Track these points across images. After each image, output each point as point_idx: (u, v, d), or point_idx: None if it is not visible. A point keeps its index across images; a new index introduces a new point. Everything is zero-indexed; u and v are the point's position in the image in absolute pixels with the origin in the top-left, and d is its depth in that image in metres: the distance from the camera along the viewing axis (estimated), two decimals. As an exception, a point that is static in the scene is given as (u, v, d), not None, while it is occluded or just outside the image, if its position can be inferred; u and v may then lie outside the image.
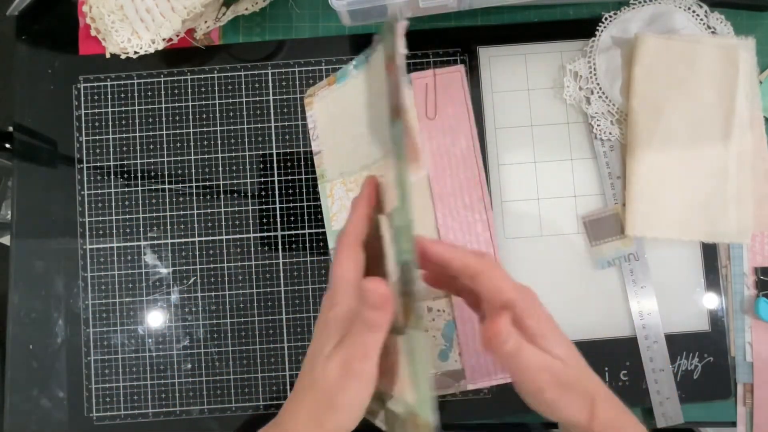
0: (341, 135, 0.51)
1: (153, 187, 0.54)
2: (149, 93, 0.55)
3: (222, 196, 0.54)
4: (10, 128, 0.55)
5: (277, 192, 0.54)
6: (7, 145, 0.56)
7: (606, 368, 0.52)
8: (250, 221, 0.54)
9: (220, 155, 0.54)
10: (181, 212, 0.54)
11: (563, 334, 0.39)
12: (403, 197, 0.33)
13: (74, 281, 0.53)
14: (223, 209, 0.54)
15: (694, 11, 0.53)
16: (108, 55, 0.52)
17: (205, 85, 0.55)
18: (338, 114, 0.51)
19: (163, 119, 0.55)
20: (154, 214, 0.54)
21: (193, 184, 0.54)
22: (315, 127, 0.52)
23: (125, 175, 0.54)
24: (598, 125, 0.53)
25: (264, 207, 0.54)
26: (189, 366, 0.53)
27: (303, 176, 0.54)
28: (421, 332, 0.34)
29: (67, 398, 0.52)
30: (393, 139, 0.35)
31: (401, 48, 0.36)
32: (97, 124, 0.55)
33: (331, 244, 0.53)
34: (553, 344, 0.38)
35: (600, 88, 0.53)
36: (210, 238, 0.54)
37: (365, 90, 0.46)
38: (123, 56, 0.52)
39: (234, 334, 0.53)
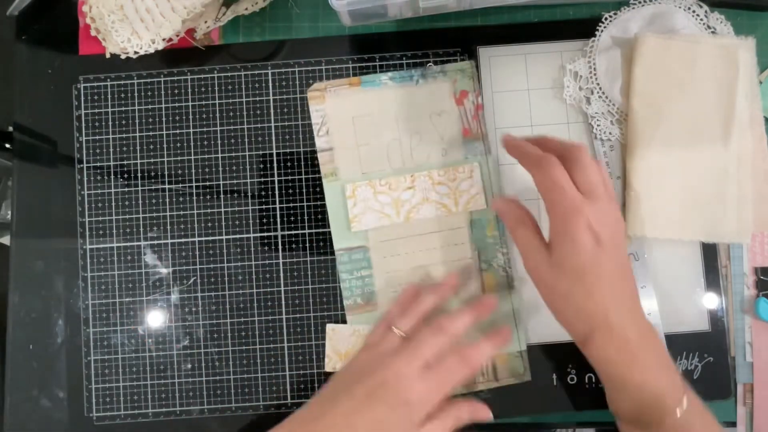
0: (367, 136, 0.52)
1: (153, 187, 0.54)
2: (149, 93, 0.55)
3: (222, 196, 0.54)
4: (10, 128, 0.55)
5: (277, 192, 0.54)
6: (7, 145, 0.56)
7: (606, 368, 0.52)
8: (250, 221, 0.54)
9: (220, 155, 0.54)
10: (181, 212, 0.54)
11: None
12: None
13: (74, 281, 0.53)
14: (222, 209, 0.54)
15: (694, 11, 0.53)
16: (108, 55, 0.52)
17: (205, 85, 0.55)
18: (364, 116, 0.53)
19: (163, 119, 0.55)
20: (154, 214, 0.54)
21: (193, 184, 0.54)
22: (324, 122, 0.52)
23: (125, 175, 0.54)
24: (598, 125, 0.53)
25: (264, 207, 0.54)
26: (189, 366, 0.53)
27: (303, 176, 0.54)
28: None
29: (67, 398, 0.52)
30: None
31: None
32: (97, 124, 0.55)
33: (340, 244, 0.53)
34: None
35: (600, 88, 0.53)
36: (210, 238, 0.54)
37: (406, 103, 0.53)
38: (123, 56, 0.52)
39: (234, 334, 0.53)
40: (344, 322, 0.52)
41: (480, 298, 0.49)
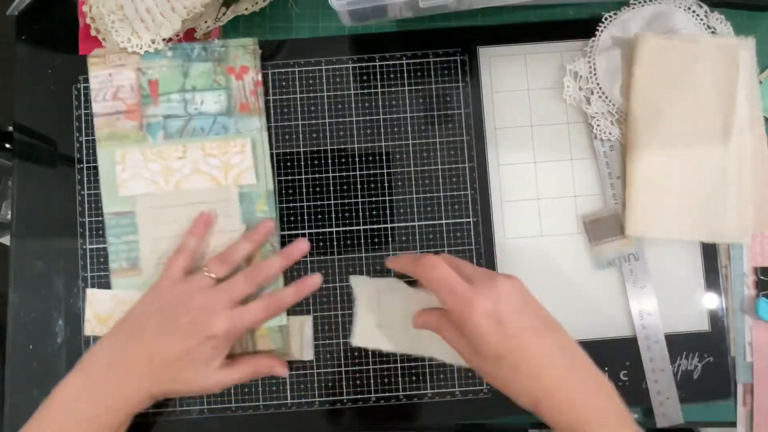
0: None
1: (153, 187, 0.54)
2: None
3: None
4: (10, 128, 0.55)
5: (277, 192, 0.54)
6: (7, 145, 0.56)
7: (606, 368, 0.52)
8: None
9: (219, 155, 0.54)
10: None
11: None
12: None
13: (74, 281, 0.53)
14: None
15: (694, 11, 0.53)
16: (108, 55, 0.52)
17: (205, 85, 0.55)
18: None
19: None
20: (154, 214, 0.54)
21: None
22: (102, 88, 0.53)
23: (125, 175, 0.54)
24: (598, 125, 0.53)
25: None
26: (189, 366, 0.53)
27: (303, 176, 0.54)
28: None
29: (67, 398, 0.52)
30: None
31: None
32: (97, 124, 0.55)
33: (109, 208, 0.53)
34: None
35: (600, 88, 0.53)
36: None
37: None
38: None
39: (234, 334, 0.53)
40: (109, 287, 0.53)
41: (290, 246, 0.52)
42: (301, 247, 0.52)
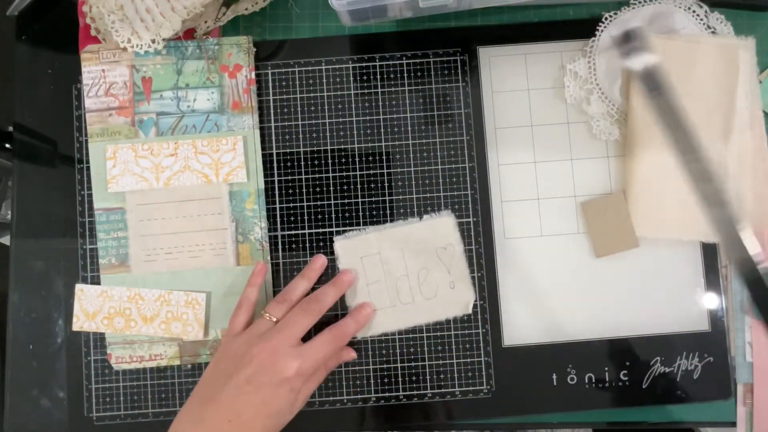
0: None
1: (153, 187, 0.54)
2: (149, 93, 0.55)
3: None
4: (10, 128, 0.55)
5: (277, 192, 0.54)
6: (7, 145, 0.56)
7: (606, 368, 0.52)
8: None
9: (220, 155, 0.54)
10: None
11: None
12: None
13: (74, 281, 0.53)
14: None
15: (694, 11, 0.53)
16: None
17: (205, 85, 0.55)
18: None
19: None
20: (154, 214, 0.54)
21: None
22: (95, 84, 0.53)
23: (125, 175, 0.54)
24: (598, 125, 0.53)
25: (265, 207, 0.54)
26: (189, 366, 0.53)
27: (303, 176, 0.54)
28: None
29: (67, 398, 0.52)
30: None
31: None
32: (97, 124, 0.55)
33: (100, 204, 0.53)
34: None
35: (600, 88, 0.53)
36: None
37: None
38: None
39: (234, 334, 0.53)
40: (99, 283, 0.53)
41: (339, 274, 0.52)
42: (349, 276, 0.52)
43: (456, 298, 0.52)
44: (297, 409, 0.47)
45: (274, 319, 0.48)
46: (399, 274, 0.52)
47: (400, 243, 0.53)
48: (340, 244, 0.53)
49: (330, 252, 0.53)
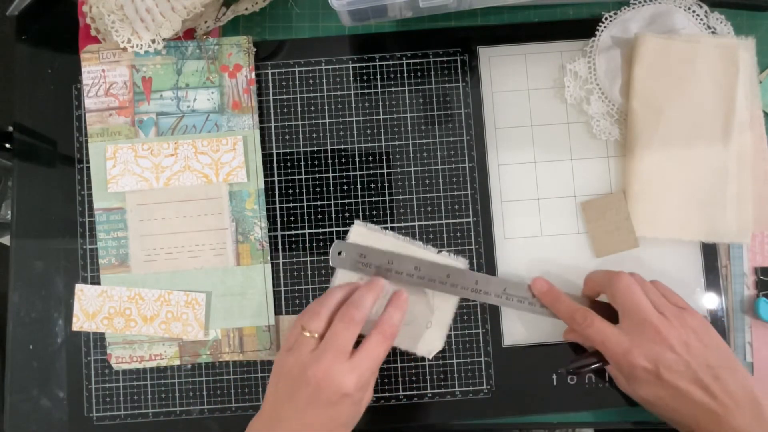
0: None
1: (153, 187, 0.54)
2: (149, 93, 0.55)
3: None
4: (10, 128, 0.55)
5: (277, 192, 0.54)
6: (7, 145, 0.56)
7: (605, 368, 0.52)
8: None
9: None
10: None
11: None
12: None
13: (74, 281, 0.53)
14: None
15: (694, 11, 0.53)
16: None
17: (205, 85, 0.55)
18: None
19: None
20: (154, 214, 0.54)
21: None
22: (95, 84, 0.53)
23: (125, 175, 0.54)
24: (598, 125, 0.53)
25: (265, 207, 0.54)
26: (189, 366, 0.53)
27: (303, 176, 0.54)
28: None
29: (67, 398, 0.52)
30: None
31: None
32: (97, 124, 0.55)
33: (100, 204, 0.53)
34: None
35: (600, 88, 0.53)
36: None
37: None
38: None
39: (234, 334, 0.53)
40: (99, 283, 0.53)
41: (372, 278, 0.50)
42: (383, 282, 0.50)
43: (427, 337, 0.52)
44: (362, 412, 0.47)
45: (317, 335, 0.46)
46: (391, 288, 0.51)
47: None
48: (357, 230, 0.52)
49: (326, 252, 0.53)
